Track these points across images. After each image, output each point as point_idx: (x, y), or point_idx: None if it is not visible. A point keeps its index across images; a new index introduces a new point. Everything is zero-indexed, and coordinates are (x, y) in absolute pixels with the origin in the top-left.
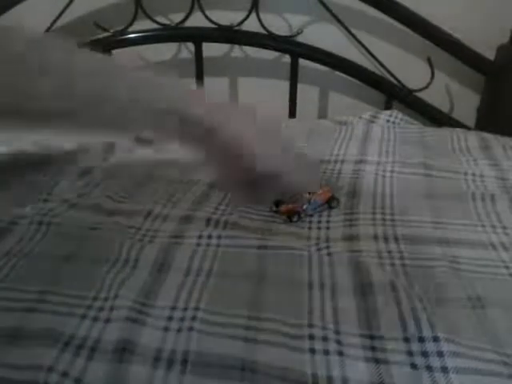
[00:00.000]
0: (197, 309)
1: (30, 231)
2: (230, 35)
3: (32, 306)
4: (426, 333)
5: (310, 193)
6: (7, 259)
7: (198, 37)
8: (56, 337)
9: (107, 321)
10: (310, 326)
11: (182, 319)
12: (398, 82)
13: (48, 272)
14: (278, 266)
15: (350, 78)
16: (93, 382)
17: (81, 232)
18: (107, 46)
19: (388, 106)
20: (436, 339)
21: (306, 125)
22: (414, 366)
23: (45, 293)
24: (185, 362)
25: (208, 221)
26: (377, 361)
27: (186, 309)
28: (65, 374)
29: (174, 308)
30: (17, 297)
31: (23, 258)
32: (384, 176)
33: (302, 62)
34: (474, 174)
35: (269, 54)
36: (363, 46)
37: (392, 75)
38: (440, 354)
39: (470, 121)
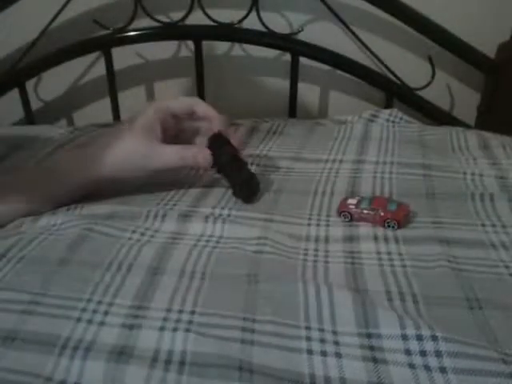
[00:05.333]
0: (192, 312)
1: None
2: (230, 33)
3: (28, 308)
4: (425, 332)
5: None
6: (2, 263)
7: (197, 35)
8: (53, 341)
9: (102, 324)
10: (307, 326)
11: (178, 321)
12: (399, 80)
13: (43, 275)
14: (274, 267)
15: (350, 76)
16: (90, 383)
17: (77, 235)
18: (106, 44)
19: (389, 105)
20: (434, 338)
21: (306, 124)
22: (412, 365)
23: (40, 295)
24: (182, 362)
25: (206, 221)
26: (375, 360)
27: (181, 311)
28: (63, 382)
29: (169, 310)
30: (13, 298)
31: (19, 261)
32: (383, 176)
33: (302, 60)
34: (473, 174)
35: (269, 53)
36: (364, 44)
37: (393, 74)
38: (438, 354)
39: (471, 119)
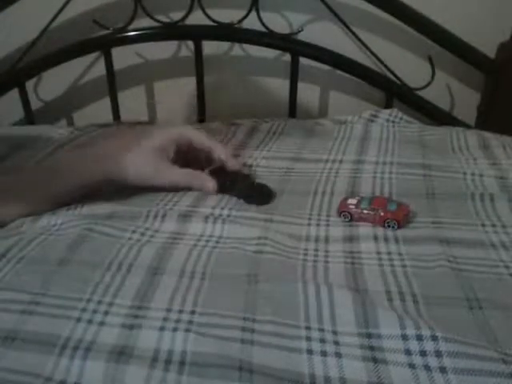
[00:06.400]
0: (193, 312)
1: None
2: (229, 33)
3: (28, 308)
4: (425, 332)
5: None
6: (2, 264)
7: (197, 35)
8: (53, 341)
9: (102, 324)
10: (307, 326)
11: (178, 321)
12: (399, 80)
13: (43, 275)
14: (274, 267)
15: (350, 76)
16: (90, 383)
17: (77, 235)
18: (106, 44)
19: (389, 105)
20: (434, 338)
21: (306, 124)
22: (412, 365)
23: (41, 295)
24: (182, 362)
25: (206, 221)
26: (375, 360)
27: (181, 311)
28: (63, 382)
29: (169, 310)
30: (13, 298)
31: (19, 261)
32: (383, 176)
33: (302, 60)
34: (473, 174)
35: (269, 53)
36: (364, 44)
37: (393, 74)
38: (438, 354)
39: (471, 119)
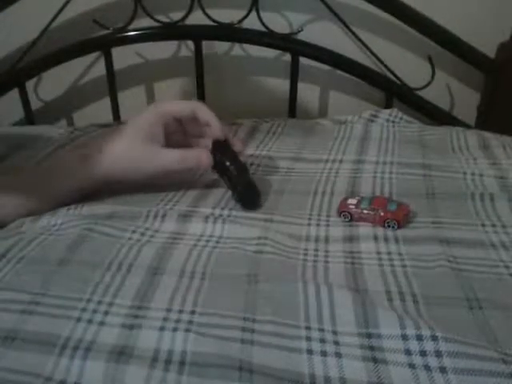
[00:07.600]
0: (193, 312)
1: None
2: (230, 33)
3: (28, 308)
4: (425, 332)
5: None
6: (2, 264)
7: (197, 35)
8: (53, 341)
9: (102, 324)
10: (307, 326)
11: (178, 321)
12: (399, 80)
13: (43, 275)
14: (274, 267)
15: (350, 76)
16: (90, 383)
17: (77, 235)
18: (106, 44)
19: (389, 105)
20: (434, 338)
21: (306, 124)
22: (412, 365)
23: (40, 295)
24: (182, 362)
25: (206, 221)
26: (375, 360)
27: (181, 311)
28: (63, 382)
29: (169, 310)
30: (13, 298)
31: (19, 261)
32: (383, 176)
33: (302, 60)
34: (473, 174)
35: (269, 53)
36: (364, 44)
37: (393, 74)
38: (438, 354)
39: (471, 119)
